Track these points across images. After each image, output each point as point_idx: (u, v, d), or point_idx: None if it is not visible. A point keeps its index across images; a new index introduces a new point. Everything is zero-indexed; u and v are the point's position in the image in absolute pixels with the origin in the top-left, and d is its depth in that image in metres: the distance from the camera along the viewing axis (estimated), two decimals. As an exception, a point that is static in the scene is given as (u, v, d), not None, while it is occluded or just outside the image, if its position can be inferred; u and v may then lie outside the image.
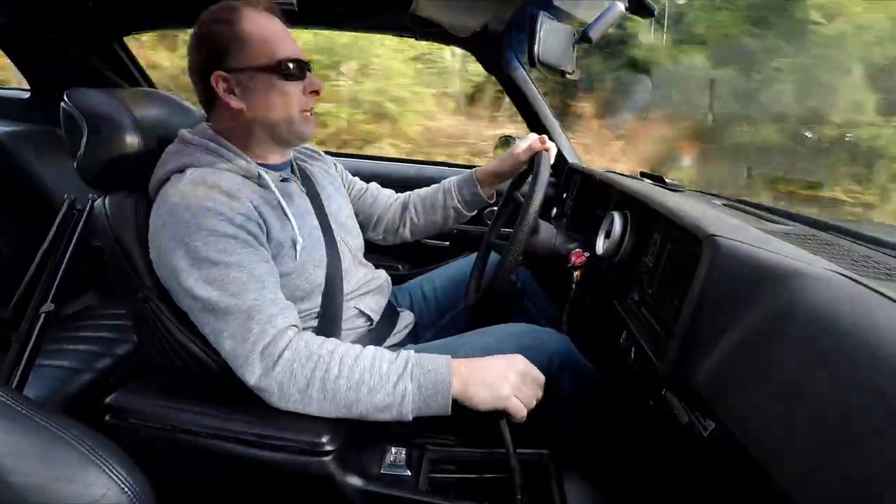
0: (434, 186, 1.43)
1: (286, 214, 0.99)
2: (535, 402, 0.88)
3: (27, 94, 2.06)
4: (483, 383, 0.84)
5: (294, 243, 0.98)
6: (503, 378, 0.85)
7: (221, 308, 0.85)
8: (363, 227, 1.36)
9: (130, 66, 1.96)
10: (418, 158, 2.30)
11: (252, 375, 0.84)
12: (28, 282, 1.28)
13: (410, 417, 0.83)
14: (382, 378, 0.83)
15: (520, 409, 0.85)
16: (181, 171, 0.94)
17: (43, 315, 1.23)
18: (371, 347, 0.88)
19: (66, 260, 1.32)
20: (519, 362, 0.88)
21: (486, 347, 1.04)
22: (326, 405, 0.84)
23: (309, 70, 1.01)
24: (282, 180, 1.05)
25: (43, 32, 1.74)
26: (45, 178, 1.78)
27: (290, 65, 0.97)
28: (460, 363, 0.86)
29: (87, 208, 1.39)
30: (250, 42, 0.95)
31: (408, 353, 0.86)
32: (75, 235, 1.36)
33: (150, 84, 2.09)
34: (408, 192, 1.45)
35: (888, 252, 0.81)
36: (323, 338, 0.88)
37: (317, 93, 1.03)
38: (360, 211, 1.40)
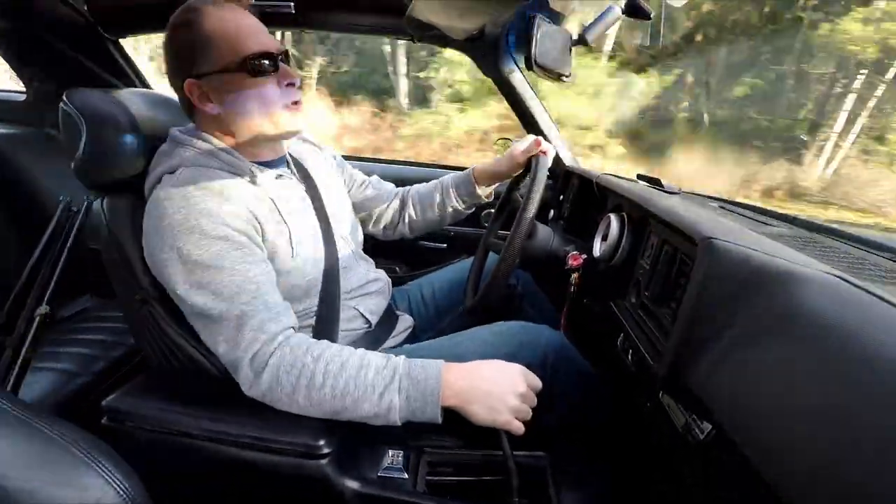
0: (432, 183, 1.43)
1: (280, 214, 0.98)
2: (531, 414, 0.86)
3: (23, 97, 2.05)
4: (483, 404, 0.83)
5: (290, 242, 0.97)
6: (503, 402, 0.83)
7: (214, 313, 0.85)
8: (362, 222, 1.36)
9: (126, 66, 1.95)
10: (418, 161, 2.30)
11: (244, 381, 0.85)
12: (23, 284, 1.28)
13: (398, 424, 0.83)
14: (368, 389, 0.81)
15: (518, 429, 0.84)
16: (172, 171, 0.93)
17: (38, 318, 1.23)
18: (359, 352, 0.86)
19: (61, 262, 1.32)
20: (520, 383, 0.85)
21: (483, 345, 1.04)
22: (313, 411, 0.84)
23: (283, 61, 0.96)
24: (276, 178, 1.03)
25: (38, 34, 1.74)
26: (40, 181, 1.78)
27: (260, 60, 0.92)
28: (458, 376, 0.84)
29: (83, 210, 1.39)
30: (213, 43, 0.91)
31: (396, 362, 0.85)
32: (70, 238, 1.36)
33: (146, 85, 2.08)
34: (407, 188, 1.45)
35: (884, 255, 0.81)
36: (311, 341, 0.87)
37: (293, 84, 0.97)
38: (360, 205, 1.39)
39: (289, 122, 0.98)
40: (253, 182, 0.97)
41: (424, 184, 1.45)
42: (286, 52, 0.97)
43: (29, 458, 0.53)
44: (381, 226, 1.43)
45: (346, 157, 2.02)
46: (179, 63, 0.93)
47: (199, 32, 0.90)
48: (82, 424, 0.60)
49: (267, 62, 0.92)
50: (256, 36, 0.93)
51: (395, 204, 1.42)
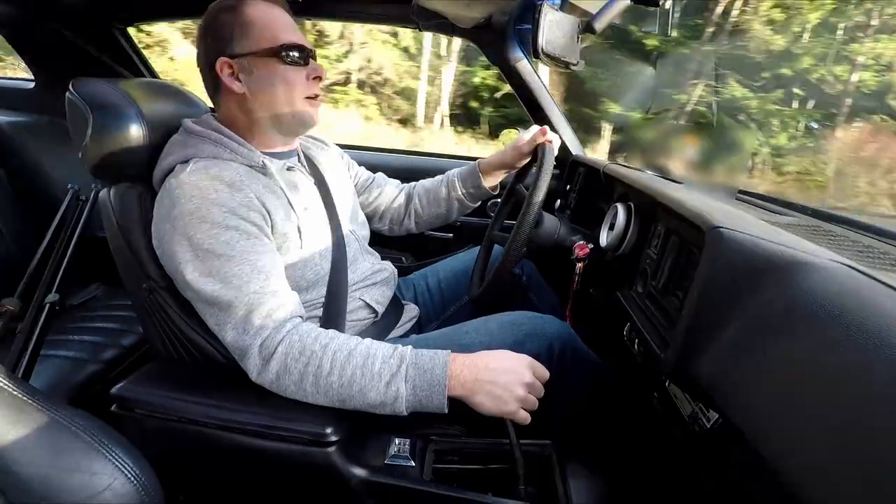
0: (438, 178, 1.43)
1: (290, 204, 0.99)
2: (538, 404, 0.87)
3: (31, 85, 2.06)
4: (489, 394, 0.83)
5: (299, 233, 0.98)
6: (509, 392, 0.83)
7: (223, 301, 0.85)
8: (369, 218, 1.37)
9: (134, 56, 1.95)
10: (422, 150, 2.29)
11: (252, 368, 0.86)
12: (32, 272, 1.29)
13: (405, 414, 0.84)
14: (374, 377, 0.82)
15: (524, 419, 0.85)
16: (185, 161, 0.94)
17: (48, 306, 1.24)
18: (367, 342, 0.87)
19: (70, 250, 1.33)
20: (526, 373, 0.85)
21: (488, 335, 1.04)
22: (321, 399, 0.85)
23: (313, 58, 1.02)
24: (287, 169, 1.05)
25: (47, 22, 1.74)
26: (49, 169, 1.78)
27: (293, 51, 0.98)
28: (463, 366, 0.84)
29: (91, 198, 1.39)
30: (253, 28, 0.96)
31: (403, 352, 0.85)
32: (79, 226, 1.36)
33: (153, 74, 2.09)
34: (412, 183, 1.45)
35: (893, 243, 0.81)
36: (320, 330, 0.88)
37: (319, 79, 1.03)
38: (366, 201, 1.40)
39: (306, 113, 1.03)
40: (264, 173, 0.98)
41: (430, 179, 1.45)
42: (315, 52, 1.04)
43: (40, 444, 0.53)
44: (387, 222, 1.44)
45: (352, 147, 2.03)
46: (216, 41, 0.98)
47: (242, 16, 0.96)
48: (92, 412, 0.60)
49: (298, 54, 0.99)
50: (293, 30, 1.01)
51: (401, 200, 1.43)
